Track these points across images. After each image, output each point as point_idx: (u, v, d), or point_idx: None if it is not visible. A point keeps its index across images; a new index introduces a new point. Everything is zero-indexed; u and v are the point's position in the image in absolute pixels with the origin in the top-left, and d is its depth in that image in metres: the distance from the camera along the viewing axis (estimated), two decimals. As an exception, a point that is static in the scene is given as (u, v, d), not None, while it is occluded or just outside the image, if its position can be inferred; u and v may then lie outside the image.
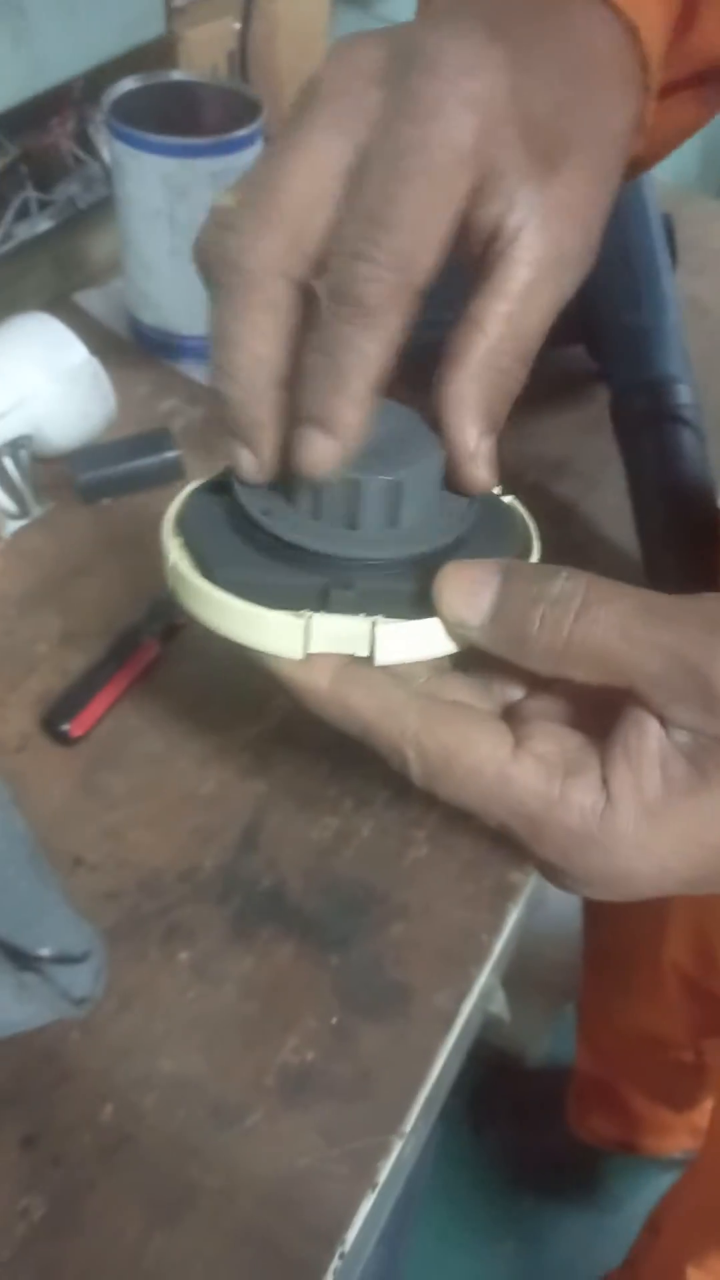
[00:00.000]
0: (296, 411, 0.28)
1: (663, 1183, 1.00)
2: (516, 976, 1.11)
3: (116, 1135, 0.40)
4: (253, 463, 0.30)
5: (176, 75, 0.70)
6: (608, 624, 0.26)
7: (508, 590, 0.27)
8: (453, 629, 0.28)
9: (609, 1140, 1.13)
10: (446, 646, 0.29)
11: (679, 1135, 1.09)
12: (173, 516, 0.31)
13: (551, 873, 0.29)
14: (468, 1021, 0.46)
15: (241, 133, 0.64)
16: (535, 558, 0.31)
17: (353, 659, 0.29)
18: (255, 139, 0.66)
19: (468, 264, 0.30)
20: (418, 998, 0.45)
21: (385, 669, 0.29)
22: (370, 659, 0.28)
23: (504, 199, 0.28)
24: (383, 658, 0.29)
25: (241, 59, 0.80)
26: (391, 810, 0.50)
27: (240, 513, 0.30)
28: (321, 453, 0.28)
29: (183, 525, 0.31)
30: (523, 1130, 1.23)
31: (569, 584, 0.27)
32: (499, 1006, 0.69)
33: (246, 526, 0.30)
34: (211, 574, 0.29)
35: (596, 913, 0.95)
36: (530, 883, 0.49)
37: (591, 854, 0.27)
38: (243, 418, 0.29)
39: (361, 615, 0.28)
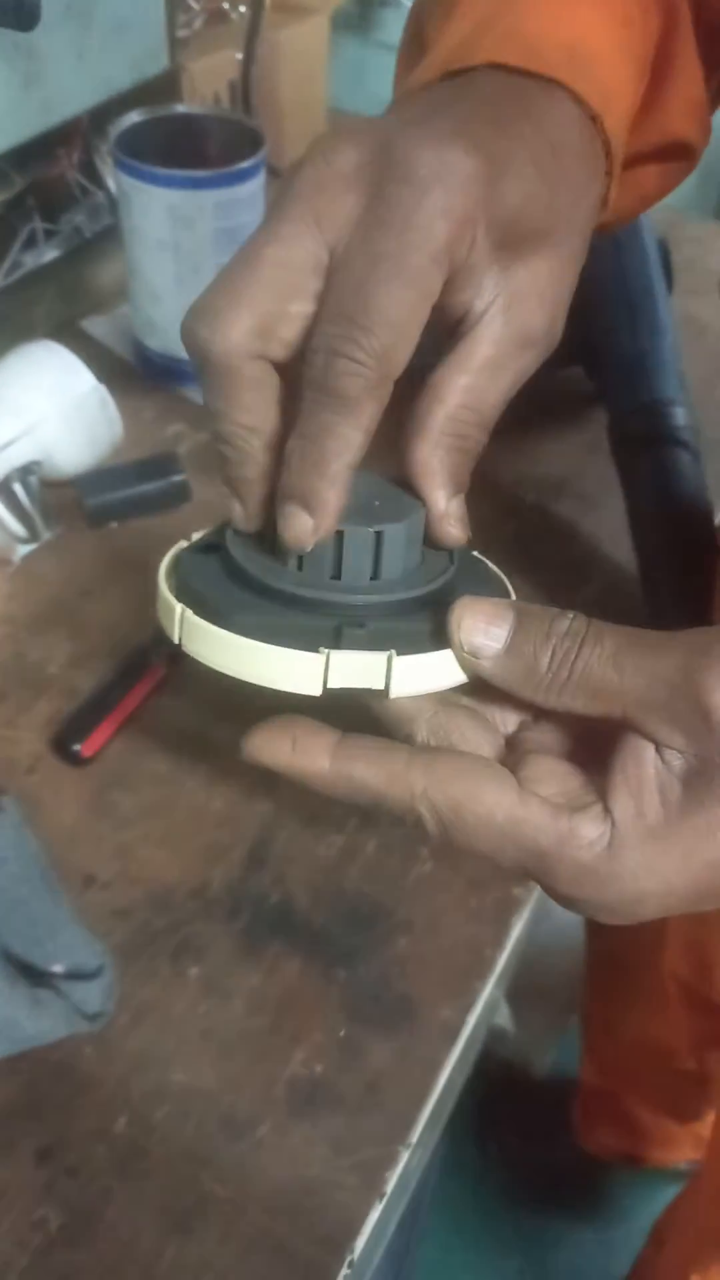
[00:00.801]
0: (281, 488, 0.30)
1: (668, 1195, 1.00)
2: (521, 989, 1.11)
3: (130, 1147, 0.41)
4: (242, 514, 0.32)
5: (180, 108, 0.72)
6: (603, 657, 0.28)
7: (522, 624, 0.29)
8: (465, 660, 0.30)
9: (614, 1152, 1.14)
10: (457, 678, 0.30)
11: (684, 1147, 1.09)
12: (164, 574, 0.33)
13: (568, 903, 0.30)
14: (472, 1034, 0.47)
15: (244, 164, 0.66)
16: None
17: (341, 737, 0.30)
18: (258, 170, 0.67)
19: (435, 337, 0.32)
20: (423, 1011, 0.46)
21: (375, 737, 0.30)
22: (385, 692, 0.30)
23: (473, 288, 0.30)
24: (397, 690, 0.30)
25: (244, 90, 0.82)
26: (396, 828, 0.52)
27: (235, 568, 0.32)
28: (303, 527, 0.30)
29: (178, 581, 0.32)
30: (528, 1143, 1.24)
31: (575, 623, 0.29)
32: (504, 1019, 0.70)
33: (245, 580, 0.31)
34: (223, 621, 0.30)
35: (597, 925, 0.96)
36: (533, 898, 0.50)
37: (603, 883, 0.28)
38: (234, 476, 0.32)
39: (376, 650, 0.29)
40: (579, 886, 0.28)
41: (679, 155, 0.42)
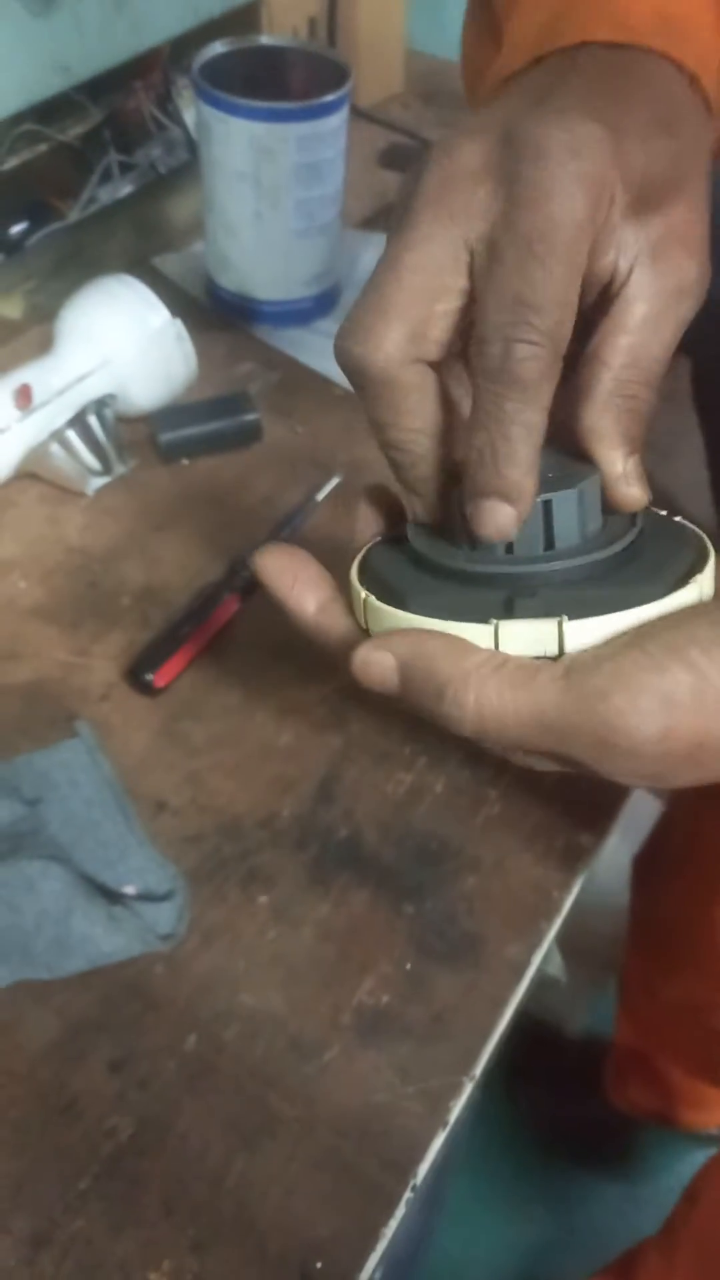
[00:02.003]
0: (474, 484, 0.31)
1: (698, 1157, 1.01)
2: (561, 948, 1.12)
3: (199, 1064, 0.42)
4: (422, 508, 0.34)
5: (265, 40, 0.70)
6: (513, 742, 0.30)
7: (406, 694, 0.31)
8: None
9: (646, 1112, 1.14)
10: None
11: (716, 1110, 1.10)
12: (356, 565, 0.35)
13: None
14: (535, 975, 0.47)
15: (329, 97, 0.65)
16: (711, 563, 0.32)
17: (333, 594, 0.33)
18: (342, 104, 0.66)
19: (585, 310, 0.32)
20: (490, 948, 0.46)
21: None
22: (560, 658, 0.30)
23: (613, 248, 0.30)
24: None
25: (329, 23, 0.80)
26: (464, 770, 0.52)
27: (417, 555, 0.33)
28: (506, 519, 0.30)
29: (366, 572, 0.34)
30: (559, 1099, 1.25)
31: (455, 711, 0.30)
32: (555, 968, 0.71)
33: (426, 565, 0.33)
34: (403, 603, 0.31)
35: (645, 879, 0.96)
36: (600, 846, 0.50)
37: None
38: (409, 478, 0.33)
39: (547, 618, 0.30)
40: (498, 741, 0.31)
41: None
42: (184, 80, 0.79)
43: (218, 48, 0.68)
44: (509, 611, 0.30)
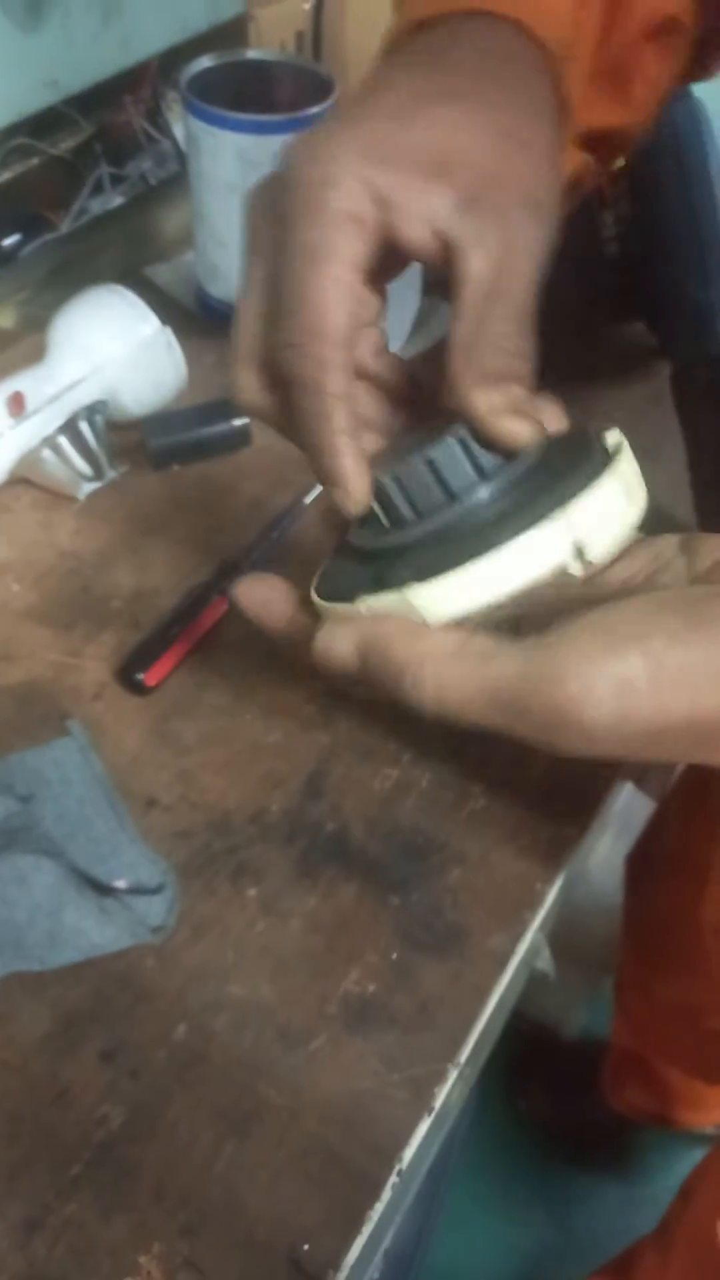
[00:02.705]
0: (318, 480, 0.35)
1: (695, 1157, 1.01)
2: (556, 951, 1.13)
3: (189, 1053, 0.43)
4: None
5: (251, 54, 0.72)
6: (475, 720, 0.31)
7: (368, 677, 0.32)
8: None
9: (643, 1112, 1.15)
10: (487, 595, 0.31)
11: (713, 1109, 1.10)
12: (320, 572, 0.37)
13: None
14: (519, 966, 0.48)
15: (314, 109, 0.66)
16: (601, 490, 0.31)
17: (298, 609, 0.36)
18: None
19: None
20: (474, 938, 0.47)
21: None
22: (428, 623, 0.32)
23: (417, 217, 0.32)
24: (434, 618, 0.31)
25: (315, 37, 0.82)
26: (449, 764, 0.52)
27: (349, 547, 0.36)
28: (342, 499, 0.34)
29: (324, 567, 0.37)
30: (557, 1101, 1.26)
31: (414, 693, 0.31)
32: (545, 963, 0.71)
33: (351, 553, 0.36)
34: (318, 591, 0.35)
35: (637, 879, 0.96)
36: (583, 837, 0.51)
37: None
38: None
39: (395, 590, 0.31)
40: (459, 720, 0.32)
41: (670, 31, 0.43)
42: (173, 94, 0.81)
43: (205, 62, 0.69)
44: (377, 585, 0.32)
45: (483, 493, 0.32)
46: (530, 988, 1.13)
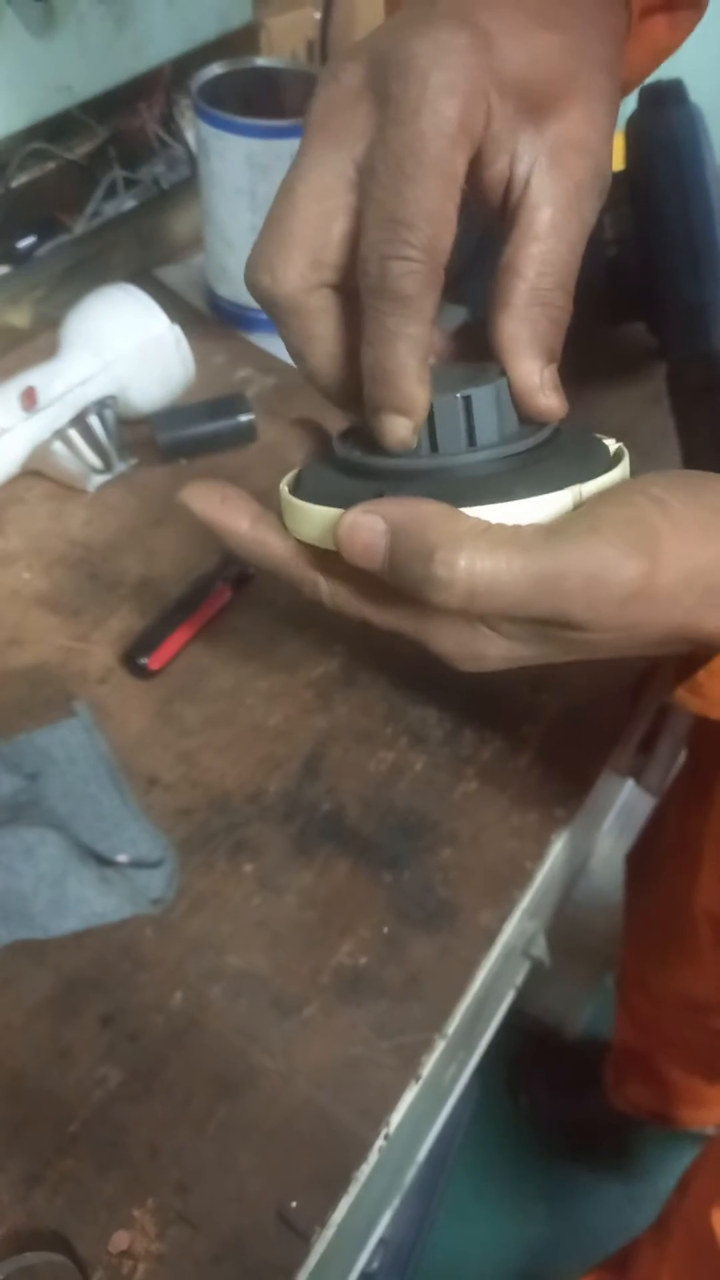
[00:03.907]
0: (369, 401, 0.32)
1: (696, 1154, 1.02)
2: (559, 948, 1.14)
3: (186, 1019, 0.44)
4: (347, 415, 0.36)
5: (260, 61, 0.74)
6: (501, 606, 0.30)
7: (394, 561, 0.31)
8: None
9: (644, 1110, 1.15)
10: None
11: (714, 1108, 1.11)
12: (288, 479, 0.36)
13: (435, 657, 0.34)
14: (510, 946, 0.49)
15: (320, 115, 0.68)
16: (606, 479, 0.33)
17: (262, 511, 0.35)
18: (333, 121, 0.69)
19: (491, 221, 0.33)
20: (464, 915, 0.48)
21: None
22: None
23: (505, 154, 0.31)
24: None
25: (322, 44, 0.84)
26: (444, 748, 0.54)
27: (340, 462, 0.35)
28: (402, 430, 0.32)
29: (299, 474, 0.36)
30: (560, 1099, 1.26)
31: (445, 572, 0.30)
32: (540, 950, 0.73)
33: (341, 467, 0.35)
34: (300, 493, 0.34)
35: (637, 875, 0.97)
36: (573, 820, 0.53)
37: (460, 645, 0.33)
38: (332, 399, 0.35)
39: None
40: (444, 643, 0.33)
41: (686, 4, 0.42)
42: (186, 100, 0.83)
43: (216, 69, 0.71)
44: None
45: (501, 448, 0.33)
46: (533, 985, 1.15)
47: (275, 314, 0.33)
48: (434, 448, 0.33)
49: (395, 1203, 0.78)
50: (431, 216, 0.30)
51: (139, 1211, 0.40)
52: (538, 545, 0.29)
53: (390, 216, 0.30)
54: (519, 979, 0.86)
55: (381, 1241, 1.00)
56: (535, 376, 0.33)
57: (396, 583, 0.31)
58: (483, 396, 0.32)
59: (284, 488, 0.35)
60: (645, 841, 0.97)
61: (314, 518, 0.33)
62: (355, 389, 0.34)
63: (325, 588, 0.35)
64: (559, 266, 0.32)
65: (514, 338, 0.32)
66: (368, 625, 0.35)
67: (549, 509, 0.31)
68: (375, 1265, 0.97)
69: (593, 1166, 1.23)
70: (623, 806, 1.13)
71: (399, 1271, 1.02)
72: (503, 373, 0.33)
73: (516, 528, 0.30)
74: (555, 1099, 1.27)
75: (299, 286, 0.32)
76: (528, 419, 0.34)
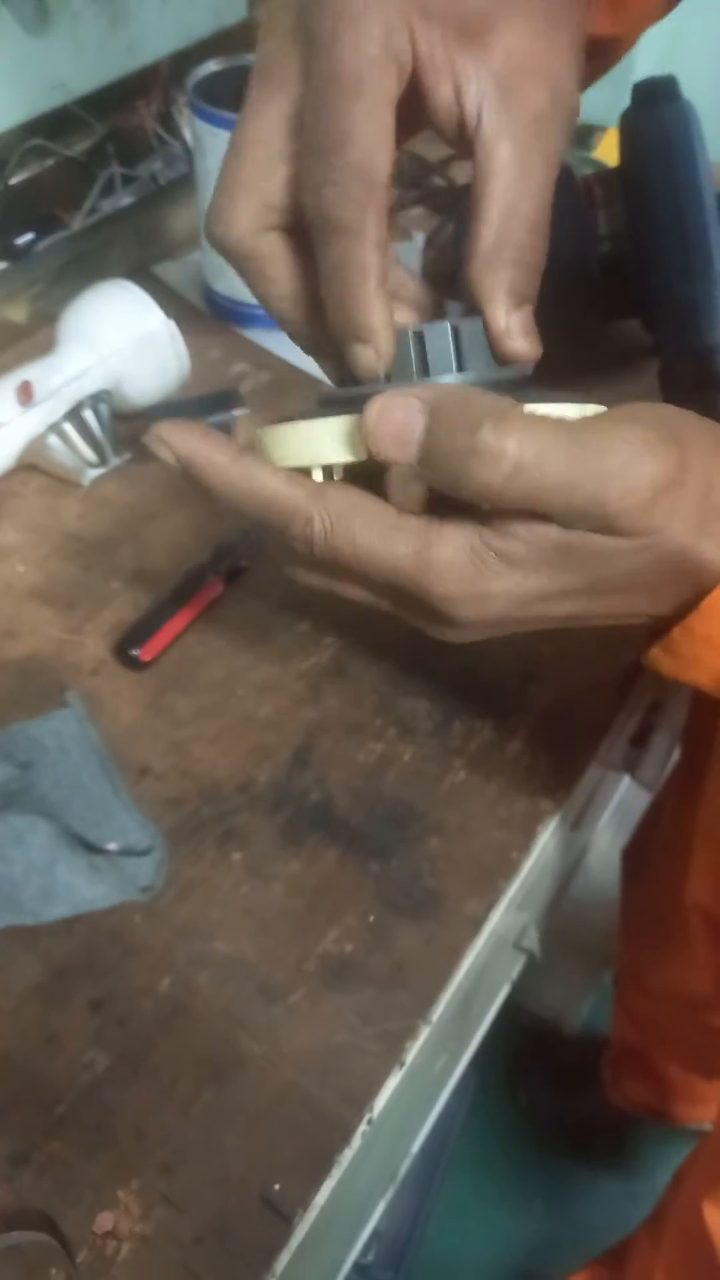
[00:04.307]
0: (331, 334, 0.32)
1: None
2: (556, 945, 1.14)
3: (173, 1005, 0.45)
4: (330, 371, 0.35)
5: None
6: (545, 485, 0.29)
7: (435, 438, 0.29)
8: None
9: (642, 1106, 1.16)
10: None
11: (711, 1104, 1.11)
12: (263, 427, 0.35)
13: (430, 617, 0.33)
14: (499, 937, 0.49)
15: (315, 111, 0.68)
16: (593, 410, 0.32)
17: (246, 449, 0.33)
18: (328, 118, 0.70)
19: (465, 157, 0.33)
20: (450, 904, 0.48)
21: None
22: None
23: (446, 82, 0.30)
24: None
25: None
26: (433, 739, 0.54)
27: (319, 399, 0.35)
28: (366, 357, 0.31)
29: (271, 424, 0.35)
30: (558, 1096, 1.27)
31: (495, 440, 0.28)
32: (531, 942, 0.73)
33: (321, 402, 0.34)
34: (284, 421, 0.34)
35: (633, 870, 0.98)
36: (560, 811, 0.53)
37: (467, 580, 0.31)
38: (301, 341, 0.35)
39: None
40: (444, 587, 0.31)
41: None
42: (184, 98, 0.83)
43: (211, 66, 0.72)
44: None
45: (488, 375, 0.32)
46: (532, 982, 1.15)
47: (231, 260, 0.34)
48: (425, 371, 0.32)
49: (389, 1194, 0.78)
50: (358, 139, 0.29)
51: (124, 1193, 0.40)
52: (580, 425, 0.29)
53: (319, 146, 0.30)
54: (514, 973, 0.87)
55: (376, 1233, 1.01)
56: (501, 321, 0.32)
57: (430, 467, 0.30)
58: (472, 324, 0.32)
59: (259, 430, 0.34)
60: (641, 837, 0.97)
61: (316, 432, 0.32)
62: (315, 332, 0.34)
63: (320, 522, 0.32)
64: (523, 206, 0.31)
65: (478, 284, 0.32)
66: (359, 573, 0.33)
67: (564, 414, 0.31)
68: (370, 1258, 0.98)
69: (591, 1163, 1.24)
70: (620, 803, 1.13)
71: (394, 1265, 1.03)
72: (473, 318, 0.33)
73: (555, 415, 0.29)
74: (554, 1096, 1.27)
75: (248, 230, 0.32)
76: (503, 363, 0.33)
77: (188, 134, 0.84)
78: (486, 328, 0.33)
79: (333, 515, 0.32)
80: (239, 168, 0.32)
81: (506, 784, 0.53)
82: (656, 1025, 1.08)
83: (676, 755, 0.87)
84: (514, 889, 0.50)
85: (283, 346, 0.77)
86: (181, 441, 0.33)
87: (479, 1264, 1.17)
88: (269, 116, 0.31)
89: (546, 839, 0.53)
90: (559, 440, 0.29)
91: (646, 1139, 1.23)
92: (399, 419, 0.29)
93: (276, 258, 0.33)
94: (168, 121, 0.84)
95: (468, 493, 0.30)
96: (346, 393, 0.33)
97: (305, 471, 0.33)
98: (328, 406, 0.34)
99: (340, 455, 0.32)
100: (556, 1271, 1.16)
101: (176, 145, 0.84)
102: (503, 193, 0.31)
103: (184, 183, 0.84)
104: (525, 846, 0.51)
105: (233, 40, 0.78)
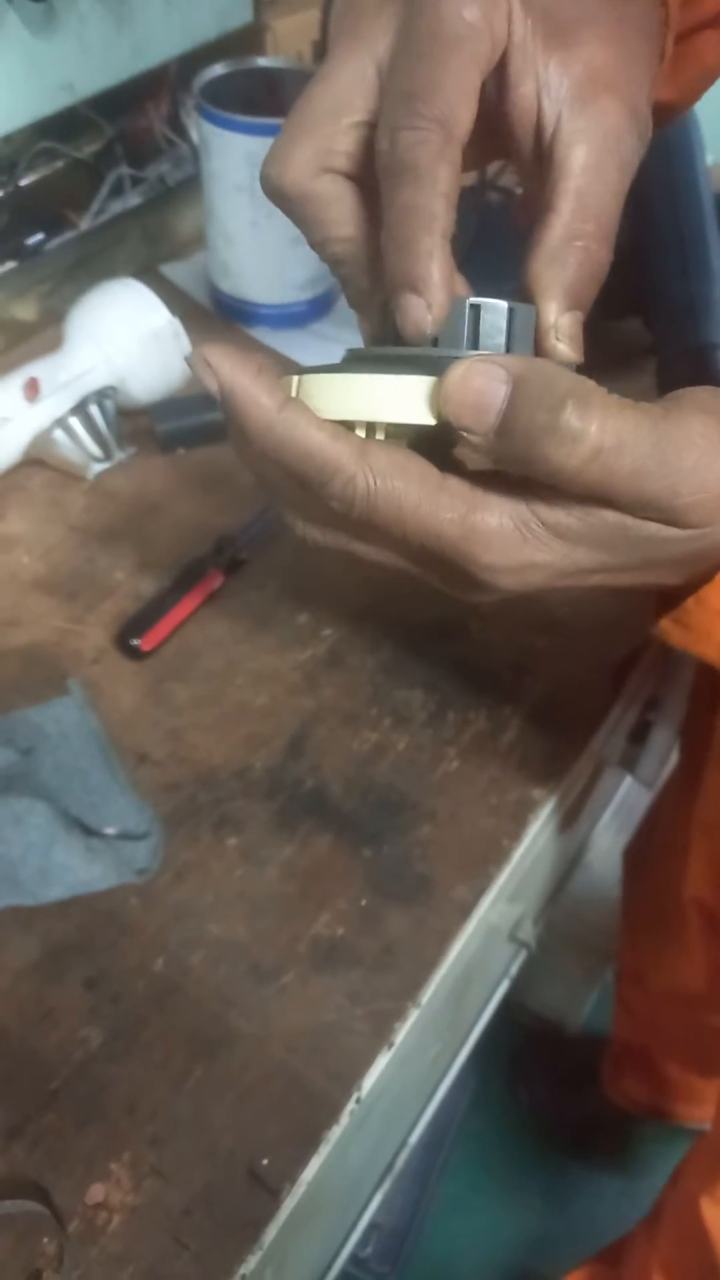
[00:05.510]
0: (387, 282, 0.31)
1: (691, 1149, 1.03)
2: (558, 942, 1.14)
3: (166, 984, 0.46)
4: (369, 330, 0.34)
5: (261, 61, 0.75)
6: (620, 472, 0.28)
7: (515, 411, 0.28)
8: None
9: (641, 1104, 1.16)
10: None
11: (710, 1103, 1.11)
12: (296, 377, 0.34)
13: (464, 583, 0.32)
14: (492, 926, 0.50)
15: (319, 113, 0.70)
16: None
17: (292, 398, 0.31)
18: (331, 119, 0.71)
19: (526, 173, 0.33)
20: (440, 889, 0.49)
21: None
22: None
23: (530, 77, 0.31)
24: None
25: (322, 43, 0.85)
26: (427, 730, 0.55)
27: (355, 355, 0.34)
28: (417, 311, 0.30)
29: (307, 373, 0.33)
30: (558, 1094, 1.27)
31: (578, 422, 0.28)
32: (526, 934, 0.74)
33: (361, 360, 0.33)
34: (321, 372, 0.32)
35: (634, 869, 0.98)
36: (552, 800, 0.54)
37: (508, 549, 0.31)
38: (351, 293, 0.34)
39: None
40: (483, 554, 0.31)
41: None
42: (192, 101, 0.85)
43: (218, 69, 0.73)
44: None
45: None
46: (534, 981, 1.15)
47: (283, 205, 0.33)
48: (476, 344, 0.31)
49: (386, 1185, 0.79)
50: (446, 90, 0.29)
51: (115, 1165, 0.41)
52: (660, 415, 0.29)
53: (404, 92, 0.30)
54: (513, 969, 0.87)
55: (374, 1226, 1.01)
56: (552, 316, 0.31)
57: (506, 441, 0.29)
58: (525, 310, 0.31)
59: (299, 378, 0.32)
60: (642, 835, 0.98)
61: (376, 387, 0.30)
62: (370, 285, 0.33)
63: (364, 482, 0.30)
64: (597, 207, 0.31)
65: (537, 276, 0.31)
66: (397, 535, 0.32)
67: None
68: (369, 1251, 0.99)
69: (590, 1162, 1.24)
70: (622, 802, 1.13)
71: (392, 1259, 1.03)
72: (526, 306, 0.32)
73: (635, 403, 0.29)
74: (554, 1094, 1.27)
75: (304, 172, 0.32)
76: (543, 356, 0.32)
77: (195, 136, 0.85)
78: (538, 322, 0.32)
79: (378, 475, 0.30)
80: (306, 112, 0.32)
81: (499, 773, 0.54)
82: (656, 1024, 1.08)
83: (676, 753, 0.87)
84: (505, 876, 0.51)
85: (287, 345, 0.78)
86: (230, 372, 0.30)
87: (477, 1261, 1.17)
88: (349, 70, 0.31)
89: (538, 828, 0.53)
90: (641, 429, 0.28)
91: (646, 1138, 1.23)
92: (480, 385, 0.28)
93: (336, 199, 0.32)
94: (176, 124, 0.85)
95: (541, 472, 0.29)
96: (386, 351, 0.32)
97: (349, 427, 0.32)
98: (363, 363, 0.32)
99: (400, 415, 0.31)
100: (554, 1269, 1.17)
101: (184, 147, 0.85)
102: (577, 190, 0.31)
103: (191, 184, 0.85)
104: (516, 834, 0.51)
105: (242, 44, 0.79)
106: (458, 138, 0.30)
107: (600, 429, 0.28)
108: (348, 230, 0.33)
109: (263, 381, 0.30)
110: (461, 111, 0.30)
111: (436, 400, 0.30)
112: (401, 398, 0.30)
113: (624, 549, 0.32)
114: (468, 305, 0.31)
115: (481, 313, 0.31)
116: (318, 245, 0.34)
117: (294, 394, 0.31)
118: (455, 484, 0.31)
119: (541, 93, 0.31)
